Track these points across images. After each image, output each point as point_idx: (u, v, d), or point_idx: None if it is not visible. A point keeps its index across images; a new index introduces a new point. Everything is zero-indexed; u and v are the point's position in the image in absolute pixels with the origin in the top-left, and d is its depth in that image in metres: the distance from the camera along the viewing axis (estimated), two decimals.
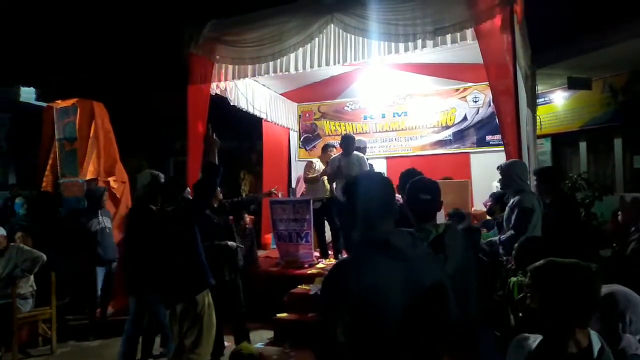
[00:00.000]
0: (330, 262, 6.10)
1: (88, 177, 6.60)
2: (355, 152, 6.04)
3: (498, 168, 3.99)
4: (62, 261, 5.57)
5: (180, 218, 3.32)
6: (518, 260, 2.91)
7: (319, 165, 6.68)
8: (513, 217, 3.65)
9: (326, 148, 6.86)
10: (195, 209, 3.38)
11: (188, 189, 3.84)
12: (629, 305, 1.90)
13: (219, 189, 4.32)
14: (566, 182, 7.58)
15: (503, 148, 4.93)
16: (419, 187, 2.38)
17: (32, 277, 5.08)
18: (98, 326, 5.53)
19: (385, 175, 1.96)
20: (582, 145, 9.30)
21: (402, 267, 1.59)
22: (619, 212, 3.03)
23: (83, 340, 5.38)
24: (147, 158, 10.48)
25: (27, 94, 8.73)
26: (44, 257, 5.06)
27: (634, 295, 1.97)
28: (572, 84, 8.34)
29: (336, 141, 6.92)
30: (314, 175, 6.59)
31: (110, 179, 6.71)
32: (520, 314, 1.65)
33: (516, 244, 3.05)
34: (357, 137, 6.61)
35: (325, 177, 6.45)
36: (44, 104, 7.48)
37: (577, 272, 1.53)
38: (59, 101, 7.06)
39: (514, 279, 2.80)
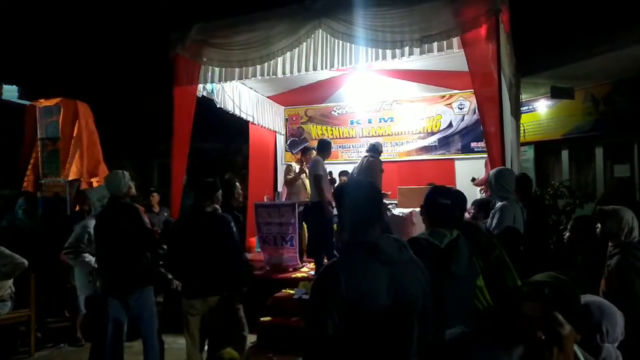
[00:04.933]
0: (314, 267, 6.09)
1: (70, 178, 6.52)
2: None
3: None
4: (44, 263, 5.46)
5: (228, 221, 3.75)
6: None
7: (298, 168, 6.85)
8: (493, 224, 3.71)
9: (306, 150, 6.93)
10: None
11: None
12: (603, 315, 1.93)
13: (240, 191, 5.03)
14: (548, 190, 7.69)
15: (487, 155, 4.99)
16: (439, 192, 2.42)
17: (11, 279, 4.98)
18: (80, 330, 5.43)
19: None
20: (565, 154, 9.44)
21: (390, 271, 1.65)
22: (597, 225, 3.03)
23: (62, 343, 5.29)
24: (130, 159, 10.36)
25: (10, 91, 8.57)
26: (26, 263, 4.90)
27: (607, 304, 2.00)
28: (556, 93, 8.47)
29: None
30: (292, 177, 6.76)
31: (94, 180, 6.63)
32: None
33: None
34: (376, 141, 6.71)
35: (306, 180, 6.51)
36: (27, 102, 7.36)
37: (567, 290, 1.52)
38: (42, 100, 6.96)
39: None
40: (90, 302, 4.40)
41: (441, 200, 2.36)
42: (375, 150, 6.23)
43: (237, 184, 4.94)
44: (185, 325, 3.80)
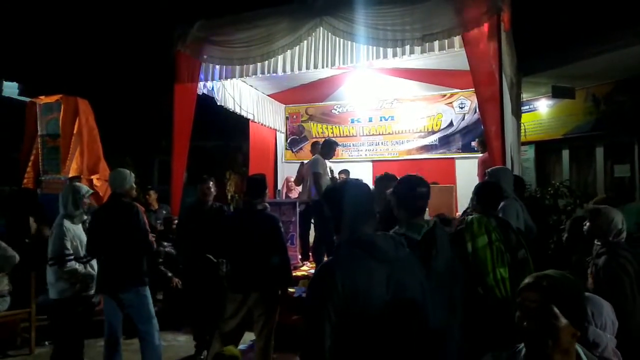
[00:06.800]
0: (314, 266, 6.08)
1: (71, 175, 6.51)
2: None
3: (485, 175, 4.07)
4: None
5: (278, 221, 3.90)
6: None
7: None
8: None
9: (315, 146, 6.89)
10: None
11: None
12: (587, 300, 1.93)
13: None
14: (549, 189, 7.69)
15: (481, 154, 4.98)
16: (415, 181, 2.39)
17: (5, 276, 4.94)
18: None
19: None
20: (565, 153, 9.45)
21: (387, 269, 1.65)
22: (585, 222, 3.03)
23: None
24: (131, 156, 10.35)
25: (10, 88, 8.57)
26: (17, 257, 4.84)
27: (591, 294, 2.05)
28: (556, 93, 8.47)
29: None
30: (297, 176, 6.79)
31: (94, 177, 6.64)
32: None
33: None
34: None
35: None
36: (27, 99, 7.35)
37: (568, 285, 1.51)
38: (42, 97, 6.95)
39: None
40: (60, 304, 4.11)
41: (420, 189, 2.33)
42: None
43: (210, 181, 5.00)
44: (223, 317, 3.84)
